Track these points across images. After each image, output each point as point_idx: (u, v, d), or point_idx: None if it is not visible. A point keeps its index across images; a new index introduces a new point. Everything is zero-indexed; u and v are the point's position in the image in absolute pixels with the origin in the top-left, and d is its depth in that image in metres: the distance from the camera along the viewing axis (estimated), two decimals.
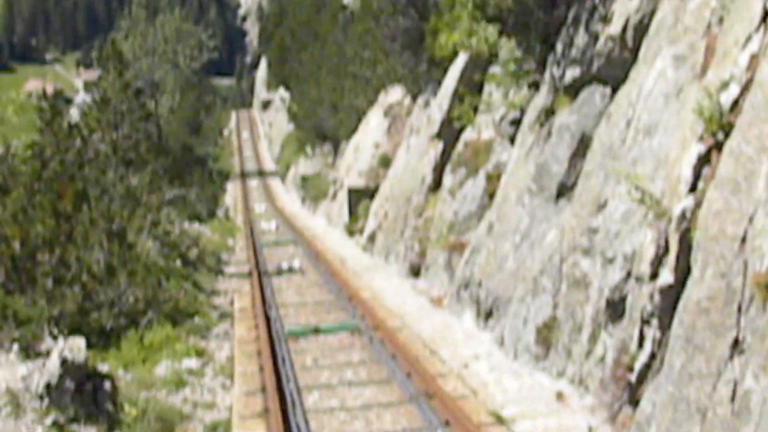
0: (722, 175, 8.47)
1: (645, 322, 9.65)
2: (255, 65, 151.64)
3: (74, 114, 37.74)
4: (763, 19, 8.72)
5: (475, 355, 13.76)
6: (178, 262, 23.35)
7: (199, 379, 13.53)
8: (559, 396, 11.30)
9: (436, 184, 22.93)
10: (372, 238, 28.97)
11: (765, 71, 8.25)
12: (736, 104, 8.79)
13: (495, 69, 18.26)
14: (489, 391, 11.86)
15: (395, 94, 37.55)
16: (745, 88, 8.67)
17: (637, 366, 9.72)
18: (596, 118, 13.24)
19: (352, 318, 17.50)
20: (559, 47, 14.92)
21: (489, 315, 15.26)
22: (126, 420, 10.74)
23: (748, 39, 8.82)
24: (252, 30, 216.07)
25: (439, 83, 24.92)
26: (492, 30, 16.24)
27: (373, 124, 39.91)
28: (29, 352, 11.02)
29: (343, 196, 38.20)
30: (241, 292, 21.65)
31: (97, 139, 25.17)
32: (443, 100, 23.12)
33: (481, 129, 20.38)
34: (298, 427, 11.10)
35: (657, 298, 9.38)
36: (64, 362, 10.20)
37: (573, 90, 14.19)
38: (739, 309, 7.70)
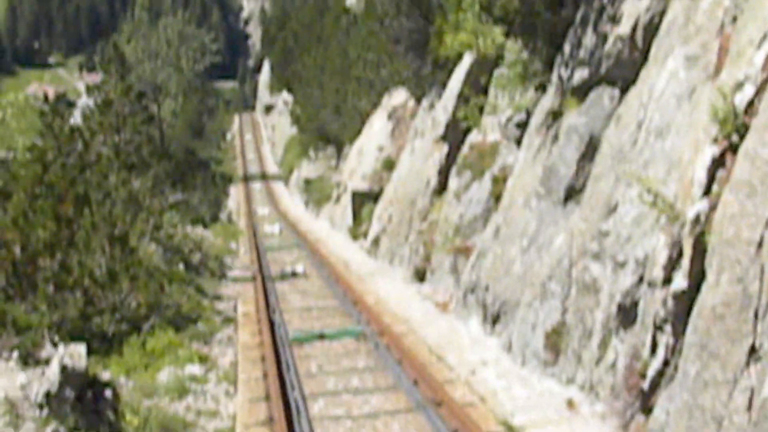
0: (737, 177, 8.28)
1: (658, 328, 9.46)
2: (258, 68, 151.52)
3: (77, 117, 37.63)
4: None
5: (482, 361, 13.56)
6: (181, 267, 23.20)
7: (202, 386, 13.32)
8: (570, 403, 11.10)
9: (441, 187, 22.76)
10: (376, 241, 28.80)
11: None
12: (751, 105, 8.62)
13: (501, 71, 18.10)
14: (498, 398, 11.66)
15: (399, 96, 37.39)
16: (761, 89, 8.52)
17: (650, 373, 9.53)
18: (605, 120, 13.04)
19: (357, 323, 17.32)
20: (566, 48, 14.71)
21: (496, 320, 15.06)
22: (127, 429, 10.55)
23: (764, 38, 8.64)
24: (255, 33, 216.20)
25: (444, 85, 24.75)
26: (498, 31, 16.06)
27: (377, 126, 39.75)
28: (28, 359, 10.81)
29: (346, 200, 38.03)
30: (245, 297, 21.47)
31: (99, 143, 25.00)
32: (448, 103, 22.94)
33: (487, 131, 20.21)
34: None
35: (670, 303, 9.19)
36: (64, 370, 9.99)
37: (581, 92, 13.99)
38: (756, 315, 7.55)
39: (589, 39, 13.79)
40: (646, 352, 9.66)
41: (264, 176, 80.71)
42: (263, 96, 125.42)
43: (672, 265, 9.38)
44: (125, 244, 17.72)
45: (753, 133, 8.26)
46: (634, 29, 12.42)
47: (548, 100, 15.50)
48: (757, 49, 8.68)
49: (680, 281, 9.07)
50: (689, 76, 10.35)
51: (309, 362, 14.62)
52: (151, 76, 59.63)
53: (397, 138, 36.08)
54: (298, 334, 16.69)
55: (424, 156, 25.05)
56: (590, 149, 13.22)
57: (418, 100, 32.25)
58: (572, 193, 13.49)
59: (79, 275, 15.78)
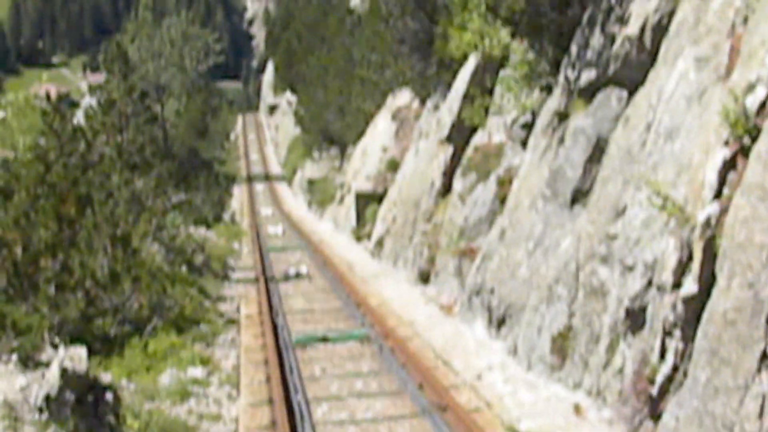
0: (749, 180, 8.16)
1: (667, 333, 9.33)
2: (261, 69, 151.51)
3: (81, 117, 37.55)
4: None
5: (488, 366, 13.42)
6: (184, 268, 23.08)
7: (204, 389, 13.19)
8: (577, 409, 10.96)
9: (446, 189, 22.62)
10: (380, 243, 28.67)
11: None
12: (763, 107, 8.52)
13: (506, 72, 17.98)
14: (504, 403, 11.52)
15: (403, 97, 37.28)
16: None
17: (659, 378, 9.39)
18: (613, 121, 12.90)
19: (361, 326, 17.18)
20: (573, 49, 14.57)
21: (501, 323, 14.93)
22: None
23: None
24: (259, 34, 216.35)
25: (449, 86, 24.62)
26: (505, 32, 15.94)
27: (381, 127, 39.64)
28: (28, 362, 10.68)
29: (350, 201, 37.92)
30: (248, 299, 21.34)
31: (101, 143, 24.87)
32: (453, 103, 22.80)
33: (492, 132, 20.09)
34: None
35: (680, 308, 9.06)
36: (64, 373, 9.87)
37: (588, 93, 13.85)
38: None
39: (596, 40, 13.66)
40: (655, 357, 9.54)
41: (267, 177, 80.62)
42: (267, 96, 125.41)
43: (682, 269, 9.26)
44: (127, 245, 17.59)
45: (765, 135, 8.16)
46: (642, 30, 12.27)
47: (554, 102, 15.37)
48: None
49: (690, 285, 8.94)
50: (699, 78, 10.21)
51: (312, 365, 14.49)
52: (154, 76, 59.55)
53: (401, 139, 35.96)
54: (302, 336, 16.55)
55: (429, 157, 24.91)
56: (597, 151, 13.08)
57: (423, 101, 32.14)
58: (579, 196, 13.35)
59: (80, 276, 15.66)
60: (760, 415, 7.30)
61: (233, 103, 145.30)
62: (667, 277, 9.38)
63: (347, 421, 11.49)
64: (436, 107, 27.21)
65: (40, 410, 9.48)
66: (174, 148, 60.59)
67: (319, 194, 52.62)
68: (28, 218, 15.87)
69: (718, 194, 8.83)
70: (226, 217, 51.35)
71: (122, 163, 24.74)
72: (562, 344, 12.24)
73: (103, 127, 25.48)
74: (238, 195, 68.00)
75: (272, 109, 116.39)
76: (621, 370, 10.46)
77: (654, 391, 9.47)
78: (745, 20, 9.61)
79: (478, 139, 20.98)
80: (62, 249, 15.86)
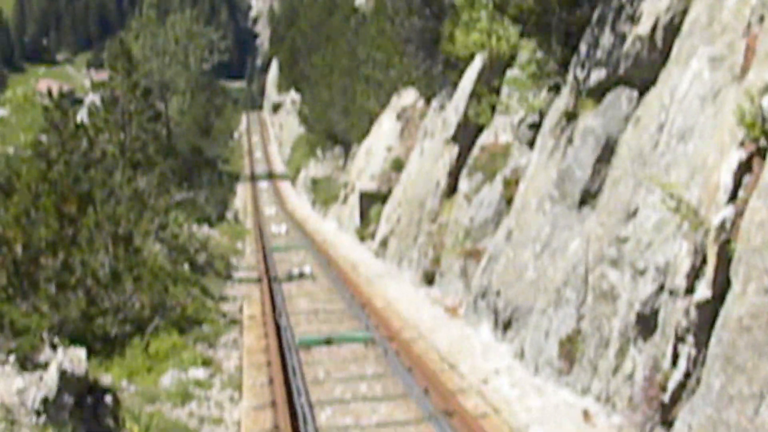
0: (766, 183, 7.97)
1: (679, 338, 9.13)
2: (266, 67, 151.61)
3: (84, 114, 37.41)
4: None
5: (495, 369, 13.21)
6: (186, 267, 22.92)
7: (206, 391, 12.99)
8: (586, 414, 10.75)
9: (451, 189, 22.42)
10: (384, 243, 28.48)
11: None
12: None
13: (513, 72, 17.78)
14: (512, 408, 11.30)
15: (408, 96, 37.13)
16: None
17: (671, 385, 9.19)
18: (622, 122, 12.68)
19: (366, 328, 16.97)
20: (582, 48, 14.36)
21: (507, 326, 14.72)
22: None
23: None
24: (263, 32, 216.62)
25: (455, 86, 24.44)
26: (513, 31, 15.75)
27: (386, 127, 39.49)
28: (26, 363, 10.50)
29: (354, 200, 37.76)
30: (251, 299, 21.16)
31: (104, 140, 24.71)
32: (459, 103, 22.60)
33: (498, 132, 19.90)
34: None
35: (693, 313, 8.86)
36: (63, 374, 9.67)
37: (597, 93, 13.63)
38: None
39: (606, 39, 13.44)
40: (666, 363, 9.33)
41: (271, 175, 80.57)
42: (271, 95, 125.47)
43: (695, 273, 9.05)
44: (129, 244, 17.43)
45: None
46: (653, 29, 12.05)
47: (562, 101, 15.16)
48: None
49: (704, 290, 8.74)
50: (714, 78, 9.99)
51: (316, 368, 14.29)
52: (158, 73, 59.35)
53: (406, 138, 35.80)
54: (305, 338, 16.36)
55: (434, 157, 24.72)
56: (607, 152, 12.86)
57: (428, 101, 31.95)
58: (588, 197, 13.14)
59: (81, 275, 15.50)
60: None
61: (237, 102, 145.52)
62: (679, 281, 9.18)
63: (352, 426, 11.28)
64: (442, 107, 27.03)
65: (38, 413, 9.29)
66: (177, 146, 60.40)
67: (323, 193, 52.50)
68: (29, 216, 15.69)
69: (733, 197, 8.63)
70: (230, 215, 51.21)
71: (125, 161, 24.62)
72: (570, 348, 12.03)
73: (106, 124, 25.33)
74: (242, 193, 67.90)
75: (276, 107, 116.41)
76: (631, 376, 10.26)
77: (666, 397, 9.26)
78: (761, 19, 9.40)
79: (485, 138, 20.79)
80: (63, 247, 15.68)
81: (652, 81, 12.04)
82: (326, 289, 22.84)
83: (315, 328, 17.44)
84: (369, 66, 45.66)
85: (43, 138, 22.89)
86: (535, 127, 17.11)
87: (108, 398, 10.30)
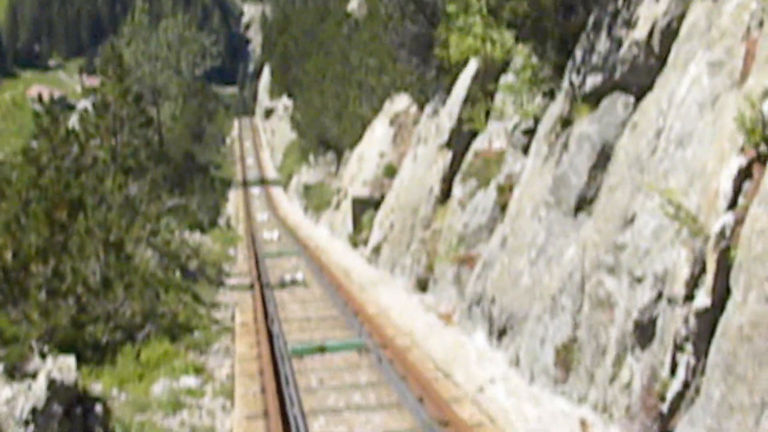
0: (766, 189, 7.84)
1: (678, 347, 9.00)
2: (258, 73, 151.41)
3: (75, 120, 37.27)
4: None
5: (490, 378, 13.08)
6: (178, 274, 22.78)
7: (197, 399, 12.85)
8: (583, 424, 10.62)
9: (445, 195, 22.30)
10: (377, 249, 28.35)
11: None
12: None
13: (508, 77, 17.67)
14: (508, 418, 11.17)
15: (401, 102, 37.04)
16: None
17: (670, 395, 9.06)
18: (619, 127, 12.57)
19: (359, 335, 16.83)
20: (578, 53, 14.25)
21: (502, 333, 14.59)
22: None
23: None
24: (255, 38, 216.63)
25: (448, 91, 24.34)
26: (508, 36, 15.63)
27: (379, 132, 39.38)
28: (14, 372, 10.36)
29: (346, 206, 37.63)
30: (243, 306, 21.01)
31: (95, 146, 24.55)
32: (453, 109, 22.50)
33: (492, 138, 19.78)
34: None
35: (692, 321, 8.74)
36: (51, 384, 9.53)
37: (593, 98, 13.52)
38: None
39: (602, 44, 13.33)
40: (665, 372, 9.21)
41: (263, 181, 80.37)
42: (263, 100, 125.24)
43: (694, 281, 8.93)
44: (120, 250, 17.29)
45: None
46: (650, 34, 11.95)
47: (557, 107, 15.05)
48: None
49: (703, 298, 8.62)
50: (713, 83, 9.88)
51: (309, 376, 14.15)
52: (150, 79, 59.27)
53: (398, 144, 35.70)
54: (298, 345, 16.20)
55: (428, 163, 24.60)
56: (603, 158, 12.75)
57: (421, 107, 31.84)
58: (583, 204, 13.02)
59: (72, 282, 15.35)
60: None
61: (229, 107, 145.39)
62: (678, 289, 9.06)
63: None
64: (435, 112, 26.93)
65: (26, 423, 9.14)
66: (169, 151, 60.28)
67: (315, 199, 52.37)
68: (19, 222, 15.55)
69: (733, 204, 8.52)
70: (222, 222, 51.11)
71: (116, 167, 24.44)
72: (566, 356, 11.90)
73: (97, 130, 25.17)
74: (234, 199, 67.75)
75: (268, 113, 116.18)
76: (629, 385, 10.13)
77: (664, 407, 9.14)
78: (761, 24, 9.29)
79: (479, 144, 20.67)
80: (54, 254, 15.54)
81: (649, 86, 11.92)
82: (319, 295, 22.70)
83: (308, 336, 17.29)
84: (362, 71, 45.60)
85: (34, 144, 22.72)
86: (530, 132, 16.99)
87: (98, 408, 10.16)
